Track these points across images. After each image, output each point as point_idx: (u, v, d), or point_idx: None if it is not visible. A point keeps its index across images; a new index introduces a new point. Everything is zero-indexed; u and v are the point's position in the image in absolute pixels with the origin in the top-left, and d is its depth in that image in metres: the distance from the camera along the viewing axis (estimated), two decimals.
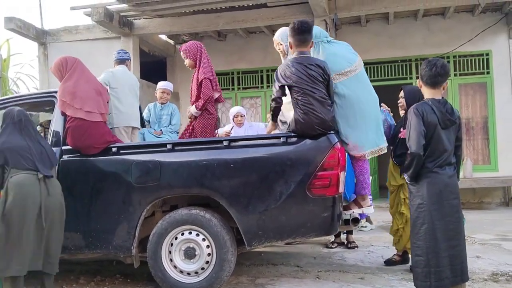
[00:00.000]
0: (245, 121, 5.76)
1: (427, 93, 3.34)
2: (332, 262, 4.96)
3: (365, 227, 6.32)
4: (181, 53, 4.63)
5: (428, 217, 3.20)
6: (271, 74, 9.61)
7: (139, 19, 8.41)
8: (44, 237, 3.55)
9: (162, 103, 5.51)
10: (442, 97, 3.31)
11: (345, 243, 5.66)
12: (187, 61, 4.61)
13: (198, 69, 4.52)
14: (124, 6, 7.79)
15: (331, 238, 5.66)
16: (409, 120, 3.28)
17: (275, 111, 3.90)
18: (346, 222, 4.26)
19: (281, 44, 4.26)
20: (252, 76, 9.69)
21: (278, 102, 3.81)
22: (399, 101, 4.64)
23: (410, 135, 3.24)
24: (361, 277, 4.39)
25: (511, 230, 6.28)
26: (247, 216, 3.77)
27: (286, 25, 8.88)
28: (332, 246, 5.61)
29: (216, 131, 4.88)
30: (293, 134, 3.82)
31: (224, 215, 3.88)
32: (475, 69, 8.83)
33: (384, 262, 4.79)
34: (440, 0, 7.43)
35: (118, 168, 4.01)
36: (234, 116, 5.73)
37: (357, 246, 5.57)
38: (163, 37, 9.70)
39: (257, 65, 9.61)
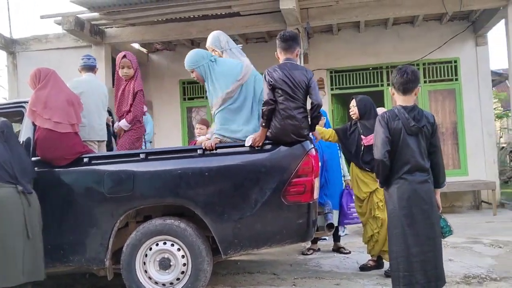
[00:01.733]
0: None
1: (399, 100, 3.41)
2: (308, 269, 4.97)
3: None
4: (128, 60, 4.57)
5: (399, 222, 3.26)
6: None
7: (111, 27, 8.31)
8: (31, 248, 3.58)
9: None
10: (414, 104, 3.38)
11: (332, 250, 5.74)
12: (130, 71, 4.56)
13: (135, 80, 4.51)
14: (95, 14, 7.69)
15: (307, 244, 5.68)
16: (376, 128, 3.40)
17: (269, 115, 3.75)
18: (321, 228, 4.29)
19: (214, 50, 4.31)
20: None
21: (270, 104, 3.74)
22: (351, 110, 4.80)
23: (375, 143, 3.37)
24: (337, 283, 4.42)
25: (481, 233, 6.42)
26: (223, 224, 3.75)
27: (260, 33, 8.93)
28: (308, 253, 5.63)
29: (196, 138, 4.89)
30: (267, 141, 3.84)
31: (200, 224, 3.85)
32: (444, 76, 9.03)
33: (359, 267, 4.83)
34: (409, 8, 7.58)
35: (90, 179, 3.96)
36: None
37: (349, 252, 5.60)
38: (136, 45, 9.62)
39: None
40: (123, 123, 4.48)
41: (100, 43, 8.29)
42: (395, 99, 3.46)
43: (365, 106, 4.70)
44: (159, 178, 3.84)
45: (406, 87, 3.34)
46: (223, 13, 7.61)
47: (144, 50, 9.96)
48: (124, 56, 4.59)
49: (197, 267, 3.75)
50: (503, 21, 7.56)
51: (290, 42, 3.94)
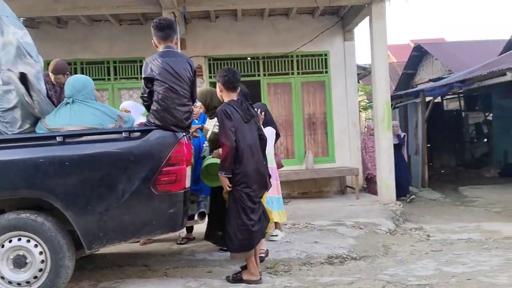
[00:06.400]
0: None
1: (227, 96, 4.00)
2: (181, 258, 4.90)
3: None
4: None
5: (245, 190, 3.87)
6: (119, 66, 9.17)
7: None
8: None
9: None
10: (238, 98, 4.01)
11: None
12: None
13: None
14: None
15: (182, 233, 5.60)
16: (221, 121, 3.84)
17: (146, 107, 3.84)
18: (191, 217, 4.24)
19: None
20: (98, 67, 9.12)
21: (145, 100, 3.77)
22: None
23: (222, 133, 3.83)
24: (209, 270, 4.43)
25: (345, 216, 6.91)
26: (86, 218, 3.52)
27: (134, 15, 8.49)
28: (182, 242, 5.55)
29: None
30: (136, 129, 3.72)
31: (60, 217, 3.56)
32: (315, 68, 9.47)
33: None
34: (283, 0, 7.81)
35: None
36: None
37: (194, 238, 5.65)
38: None
39: (103, 56, 9.07)
40: None
41: None
42: (223, 96, 4.03)
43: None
44: (11, 168, 3.45)
45: (236, 85, 4.00)
46: None
47: None
48: None
49: (57, 263, 3.48)
50: (368, 18, 8.13)
51: (167, 30, 3.84)
